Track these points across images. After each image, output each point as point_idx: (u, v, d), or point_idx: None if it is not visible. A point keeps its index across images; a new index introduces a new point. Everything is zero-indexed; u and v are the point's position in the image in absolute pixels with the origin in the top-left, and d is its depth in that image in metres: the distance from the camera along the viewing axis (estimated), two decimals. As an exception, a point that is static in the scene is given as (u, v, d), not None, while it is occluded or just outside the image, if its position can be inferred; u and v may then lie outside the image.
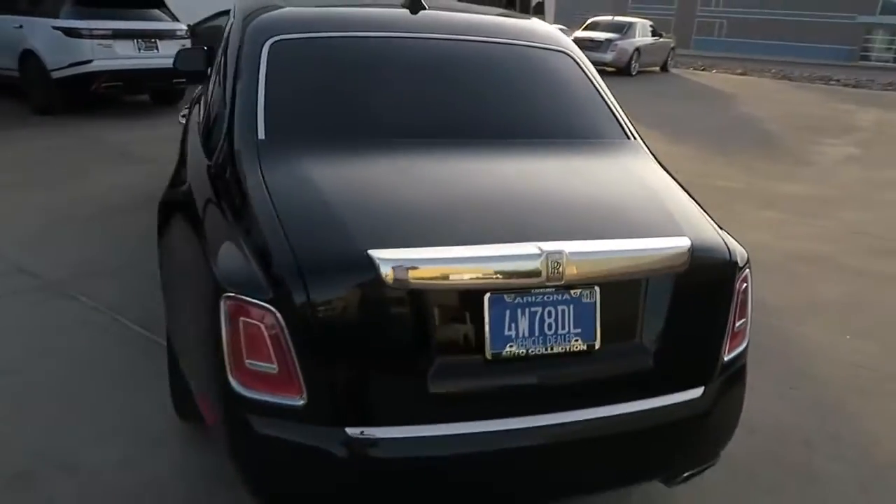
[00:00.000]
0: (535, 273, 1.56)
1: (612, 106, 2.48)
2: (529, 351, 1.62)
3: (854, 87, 20.33)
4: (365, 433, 1.54)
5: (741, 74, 22.01)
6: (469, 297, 1.57)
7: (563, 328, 1.64)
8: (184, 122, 3.99)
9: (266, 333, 1.52)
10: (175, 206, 2.29)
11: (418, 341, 1.56)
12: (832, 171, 8.03)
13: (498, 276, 1.56)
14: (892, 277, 4.48)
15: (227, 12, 11.84)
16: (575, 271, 1.59)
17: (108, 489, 2.18)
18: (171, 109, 9.03)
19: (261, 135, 2.00)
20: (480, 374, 1.60)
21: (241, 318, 1.54)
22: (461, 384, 1.60)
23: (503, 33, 2.64)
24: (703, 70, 22.70)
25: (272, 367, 1.53)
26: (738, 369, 1.92)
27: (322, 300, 1.50)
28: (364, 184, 1.87)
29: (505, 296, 1.58)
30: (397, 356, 1.57)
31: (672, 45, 20.89)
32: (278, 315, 1.51)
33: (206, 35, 9.12)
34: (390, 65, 2.35)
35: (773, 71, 24.03)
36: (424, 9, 2.61)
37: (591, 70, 2.60)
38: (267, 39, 2.30)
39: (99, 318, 3.30)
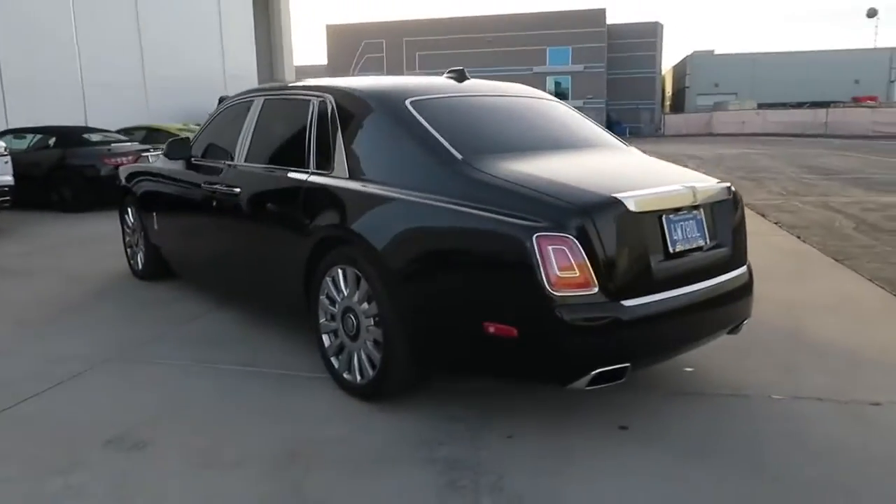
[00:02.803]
0: (687, 199, 2.78)
1: (603, 128, 3.83)
2: (684, 247, 2.79)
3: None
4: (631, 302, 2.57)
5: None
6: (658, 218, 2.71)
7: (694, 234, 2.85)
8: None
9: (569, 253, 2.48)
10: (424, 234, 2.86)
11: (644, 245, 2.64)
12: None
13: (671, 202, 2.74)
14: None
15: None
16: (698, 199, 2.83)
17: (354, 449, 2.75)
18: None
19: (458, 156, 2.92)
20: (667, 262, 2.73)
21: (550, 247, 2.47)
22: (663, 269, 2.70)
23: (523, 93, 3.86)
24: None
25: (574, 273, 2.49)
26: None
27: (599, 225, 2.51)
28: (545, 168, 2.91)
29: (671, 215, 2.75)
30: (638, 254, 2.63)
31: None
32: (574, 239, 2.48)
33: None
34: (482, 109, 3.43)
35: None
36: (468, 79, 3.73)
37: (577, 111, 3.94)
38: (404, 100, 3.24)
39: (198, 369, 3.62)
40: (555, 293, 2.48)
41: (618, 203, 2.59)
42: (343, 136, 3.33)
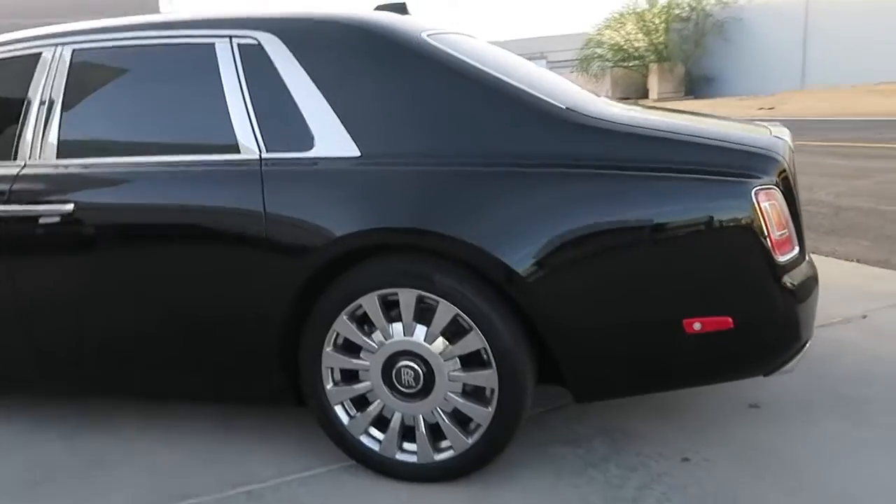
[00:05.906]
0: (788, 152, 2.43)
1: None
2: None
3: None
4: (811, 258, 2.18)
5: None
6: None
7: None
8: None
9: (779, 206, 1.96)
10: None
11: (793, 197, 2.22)
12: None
13: (786, 157, 2.31)
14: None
15: None
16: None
17: None
18: None
19: (560, 105, 2.07)
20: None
21: (767, 202, 1.91)
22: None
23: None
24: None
25: (785, 232, 1.98)
26: None
27: (778, 176, 2.01)
28: (646, 113, 2.36)
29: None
30: (796, 202, 2.20)
31: None
32: (779, 190, 1.97)
33: None
34: (480, 50, 2.51)
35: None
36: (408, 13, 2.76)
37: None
38: (419, 34, 2.22)
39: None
40: (779, 258, 1.94)
41: (784, 144, 2.16)
42: (325, 93, 2.11)
